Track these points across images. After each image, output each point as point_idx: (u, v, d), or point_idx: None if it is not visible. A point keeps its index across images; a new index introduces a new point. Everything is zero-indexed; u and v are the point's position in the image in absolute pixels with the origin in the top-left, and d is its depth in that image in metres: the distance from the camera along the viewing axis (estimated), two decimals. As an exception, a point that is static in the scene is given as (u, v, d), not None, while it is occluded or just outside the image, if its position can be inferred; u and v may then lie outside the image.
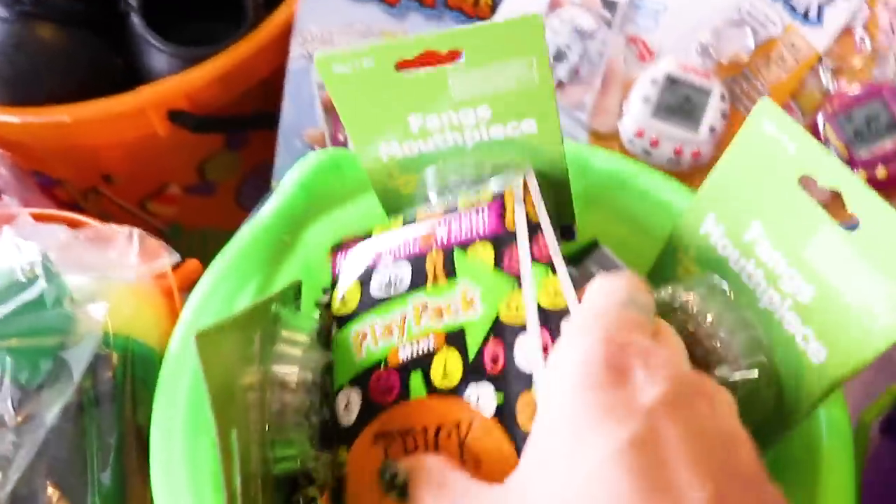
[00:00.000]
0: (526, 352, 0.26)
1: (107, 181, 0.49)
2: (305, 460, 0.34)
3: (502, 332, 0.27)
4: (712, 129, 0.46)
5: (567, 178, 0.34)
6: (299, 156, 0.39)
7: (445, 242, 0.30)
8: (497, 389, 0.26)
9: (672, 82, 0.46)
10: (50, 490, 0.27)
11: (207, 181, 0.51)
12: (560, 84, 0.48)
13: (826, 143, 0.45)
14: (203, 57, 0.44)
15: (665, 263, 0.35)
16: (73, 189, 0.50)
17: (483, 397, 0.26)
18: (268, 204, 0.37)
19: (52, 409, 0.27)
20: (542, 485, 0.19)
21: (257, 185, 0.51)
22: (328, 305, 0.32)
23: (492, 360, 0.27)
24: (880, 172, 0.44)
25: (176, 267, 0.37)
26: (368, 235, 0.33)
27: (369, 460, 0.27)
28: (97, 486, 0.29)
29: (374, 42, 0.49)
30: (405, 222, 0.32)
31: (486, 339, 0.27)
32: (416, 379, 0.28)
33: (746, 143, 0.29)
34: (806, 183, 0.28)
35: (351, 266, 0.32)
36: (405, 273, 0.30)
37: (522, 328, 0.27)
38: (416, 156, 0.35)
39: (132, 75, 0.47)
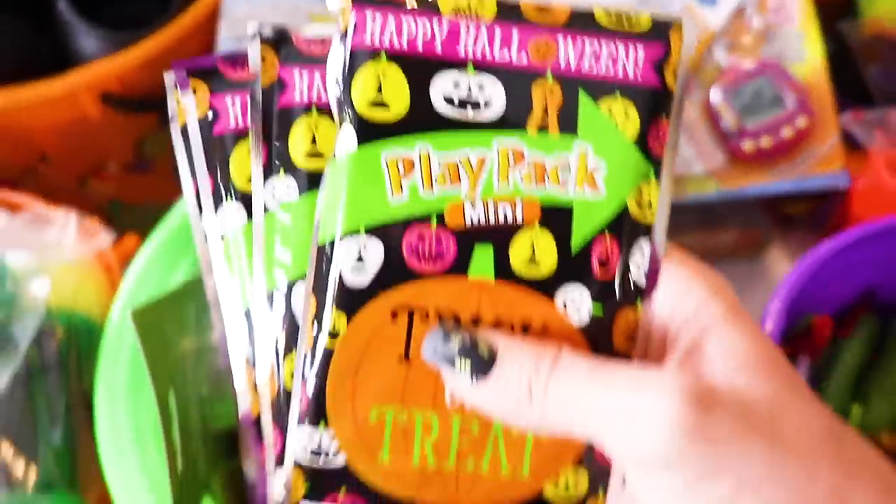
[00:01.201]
0: (645, 262, 0.21)
1: (44, 161, 0.50)
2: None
3: (623, 228, 0.21)
4: (617, 104, 0.49)
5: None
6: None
7: (570, 69, 0.21)
8: (596, 299, 0.21)
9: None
10: (5, 446, 0.30)
11: (145, 158, 0.52)
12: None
13: (719, 115, 0.50)
14: (132, 40, 0.46)
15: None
16: (11, 168, 0.51)
17: (575, 303, 0.21)
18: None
19: (1, 377, 0.30)
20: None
21: None
22: (347, 91, 0.21)
23: (600, 262, 0.21)
24: (765, 142, 0.49)
25: (116, 241, 0.40)
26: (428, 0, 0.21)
27: (382, 337, 0.21)
28: (48, 443, 0.32)
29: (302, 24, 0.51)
30: (500, 9, 0.21)
31: (599, 232, 0.21)
32: (482, 254, 0.21)
33: None
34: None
35: (395, 39, 0.20)
36: (495, 93, 0.20)
37: (647, 232, 0.21)
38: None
39: (62, 58, 0.48)
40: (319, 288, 0.21)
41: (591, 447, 0.22)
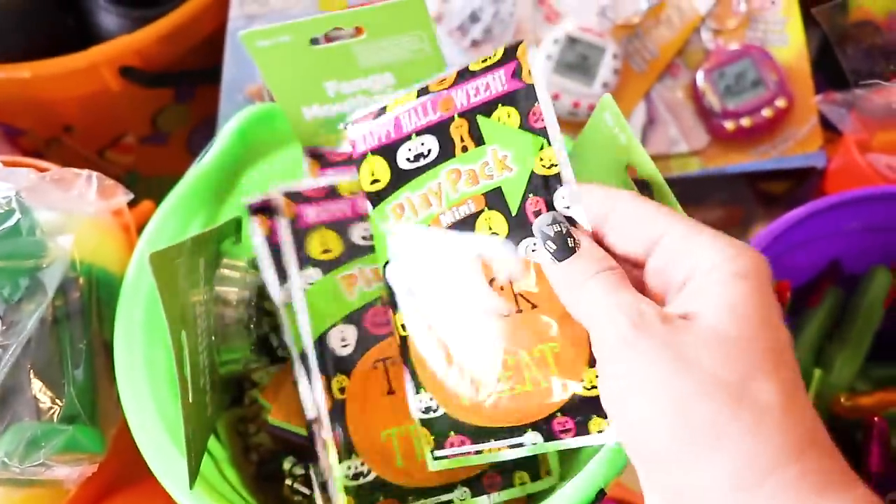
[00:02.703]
0: (566, 200, 0.28)
1: (67, 132, 0.53)
2: (247, 363, 0.41)
3: (540, 186, 0.28)
4: (605, 85, 0.52)
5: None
6: (240, 109, 0.44)
7: (466, 107, 0.30)
8: None
9: (571, 42, 0.52)
10: (34, 382, 0.34)
11: (160, 131, 0.55)
12: (475, 43, 0.53)
13: (703, 95, 0.52)
14: (151, 18, 0.49)
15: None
16: (37, 139, 0.55)
17: (531, 249, 0.29)
18: (210, 151, 0.43)
19: (31, 319, 0.33)
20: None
21: (206, 134, 0.55)
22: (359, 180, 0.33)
23: (534, 214, 0.28)
24: (745, 122, 0.51)
25: (132, 206, 0.43)
26: (382, 111, 0.33)
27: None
28: (72, 381, 0.35)
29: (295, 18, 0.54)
30: (419, 94, 0.32)
31: (525, 195, 0.29)
32: None
33: (593, 129, 0.33)
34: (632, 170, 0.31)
35: (372, 141, 0.33)
36: (432, 144, 0.31)
37: (558, 180, 0.28)
38: (336, 116, 0.41)
39: (85, 34, 0.52)
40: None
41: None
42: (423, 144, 0.31)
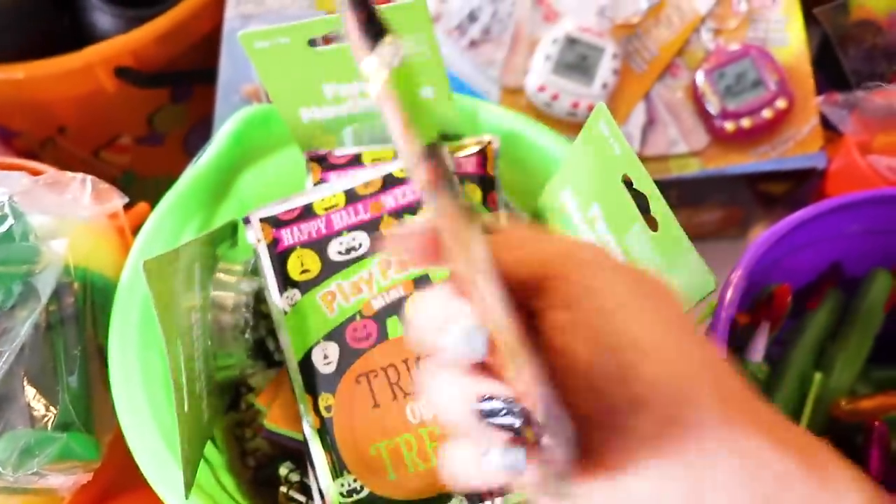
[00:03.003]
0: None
1: (62, 132, 0.53)
2: (244, 368, 0.40)
3: None
4: (605, 85, 0.52)
5: (460, 134, 0.40)
6: (236, 109, 0.44)
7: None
8: None
9: (570, 42, 0.52)
10: (28, 389, 0.33)
11: (156, 132, 0.55)
12: (473, 43, 0.53)
13: (703, 96, 0.52)
14: (146, 17, 0.48)
15: (541, 217, 0.41)
16: (31, 140, 0.54)
17: None
18: (206, 153, 0.42)
19: (24, 325, 0.33)
20: None
21: (203, 135, 0.55)
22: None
23: None
24: (745, 122, 0.51)
25: (128, 209, 0.42)
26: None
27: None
28: (66, 388, 0.35)
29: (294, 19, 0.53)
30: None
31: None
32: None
33: (588, 137, 0.33)
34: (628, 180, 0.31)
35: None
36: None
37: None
38: (333, 118, 0.40)
39: (80, 34, 0.51)
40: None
41: None
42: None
